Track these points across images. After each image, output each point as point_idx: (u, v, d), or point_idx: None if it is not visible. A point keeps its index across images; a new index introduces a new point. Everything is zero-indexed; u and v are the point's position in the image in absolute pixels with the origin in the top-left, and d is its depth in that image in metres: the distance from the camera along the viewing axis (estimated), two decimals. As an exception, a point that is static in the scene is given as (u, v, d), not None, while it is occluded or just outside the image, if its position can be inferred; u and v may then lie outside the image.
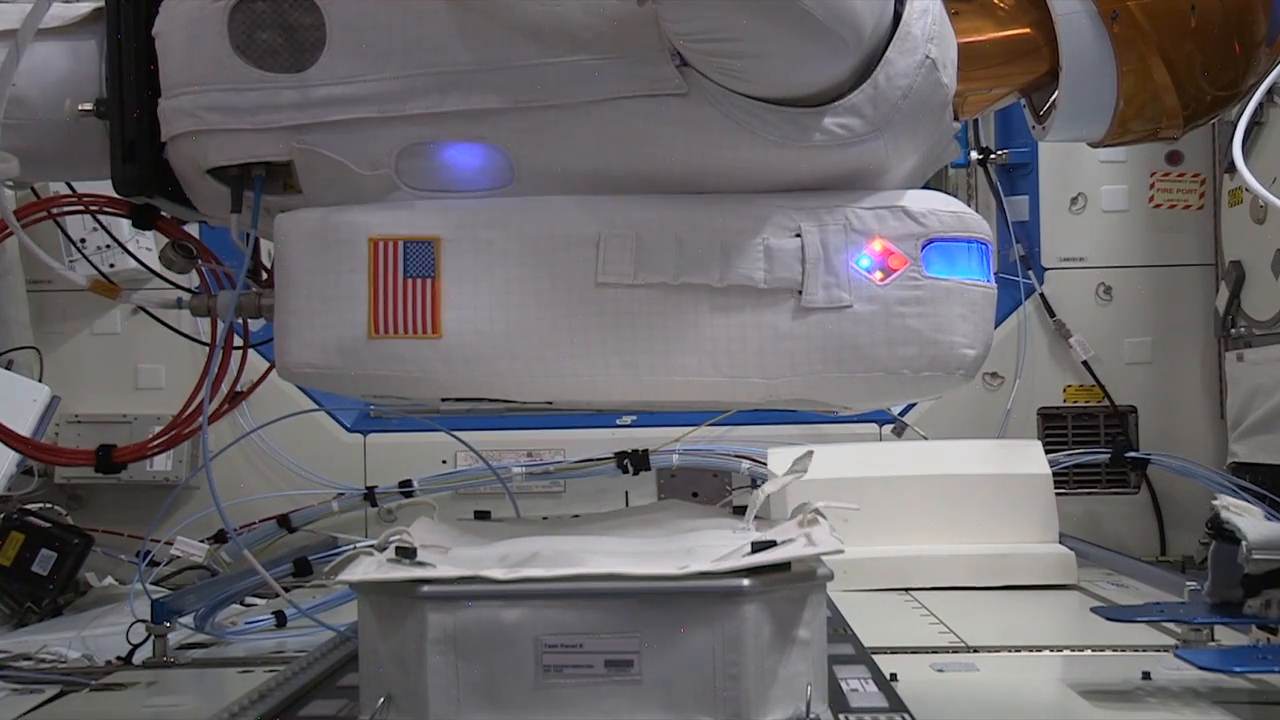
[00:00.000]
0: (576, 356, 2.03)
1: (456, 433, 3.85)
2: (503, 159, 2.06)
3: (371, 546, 2.05)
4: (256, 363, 2.64)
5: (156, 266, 2.66)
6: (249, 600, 3.89)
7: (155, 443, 2.61)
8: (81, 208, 2.61)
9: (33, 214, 2.56)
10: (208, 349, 2.43)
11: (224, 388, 2.56)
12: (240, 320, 2.42)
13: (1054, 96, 2.30)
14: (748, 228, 2.01)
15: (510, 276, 2.03)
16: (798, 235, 2.01)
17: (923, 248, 2.02)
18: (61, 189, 2.75)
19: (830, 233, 2.01)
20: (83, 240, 4.32)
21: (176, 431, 2.57)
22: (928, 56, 1.98)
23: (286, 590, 3.64)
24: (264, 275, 2.30)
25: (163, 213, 2.43)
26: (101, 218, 4.53)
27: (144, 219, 2.42)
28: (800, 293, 2.00)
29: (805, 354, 2.02)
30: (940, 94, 2.05)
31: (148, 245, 4.83)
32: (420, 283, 2.04)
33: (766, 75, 1.92)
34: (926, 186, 2.23)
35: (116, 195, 2.28)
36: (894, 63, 1.96)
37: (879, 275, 2.01)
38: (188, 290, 2.43)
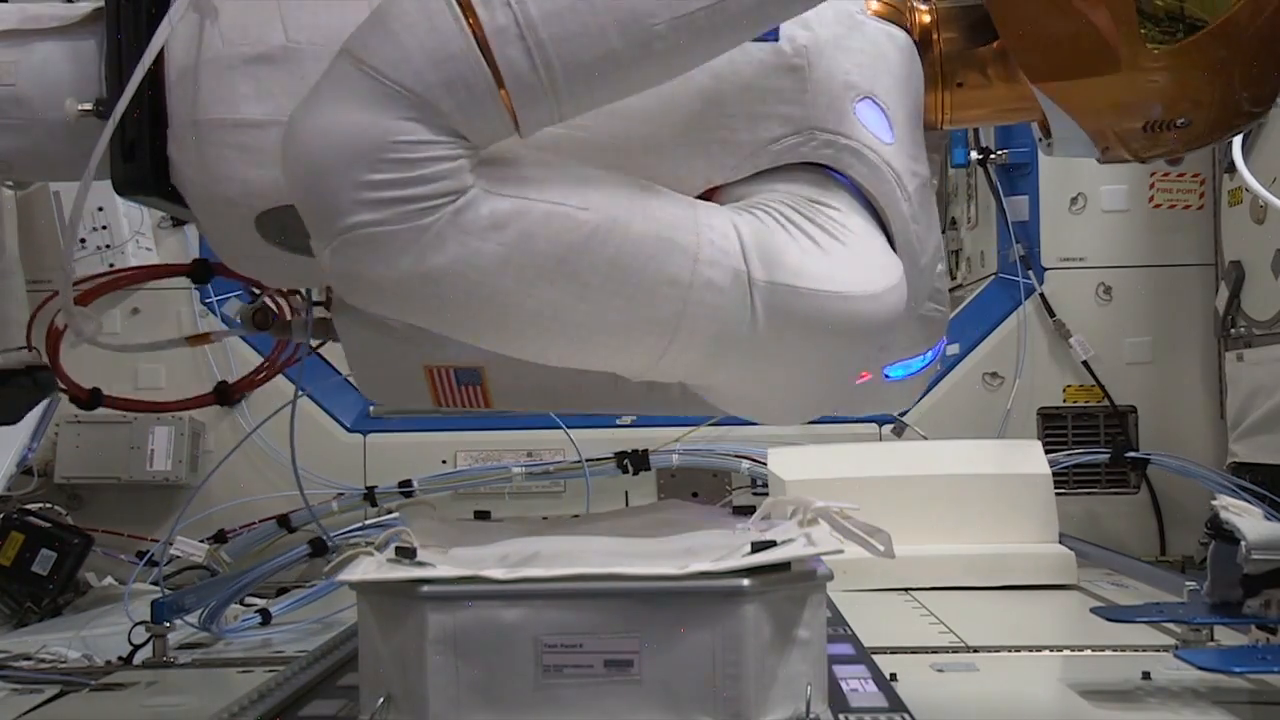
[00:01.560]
0: None
1: (458, 433, 3.85)
2: None
3: (371, 546, 2.05)
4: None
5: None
6: (248, 600, 3.89)
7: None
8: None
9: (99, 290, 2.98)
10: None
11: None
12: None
13: None
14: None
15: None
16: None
17: None
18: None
19: None
20: (83, 241, 4.33)
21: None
22: (922, 315, 2.07)
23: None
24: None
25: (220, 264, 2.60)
26: (101, 217, 4.57)
27: (202, 276, 2.70)
28: None
29: None
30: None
31: (148, 245, 4.84)
32: (471, 388, 2.29)
33: None
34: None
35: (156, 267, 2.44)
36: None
37: None
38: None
